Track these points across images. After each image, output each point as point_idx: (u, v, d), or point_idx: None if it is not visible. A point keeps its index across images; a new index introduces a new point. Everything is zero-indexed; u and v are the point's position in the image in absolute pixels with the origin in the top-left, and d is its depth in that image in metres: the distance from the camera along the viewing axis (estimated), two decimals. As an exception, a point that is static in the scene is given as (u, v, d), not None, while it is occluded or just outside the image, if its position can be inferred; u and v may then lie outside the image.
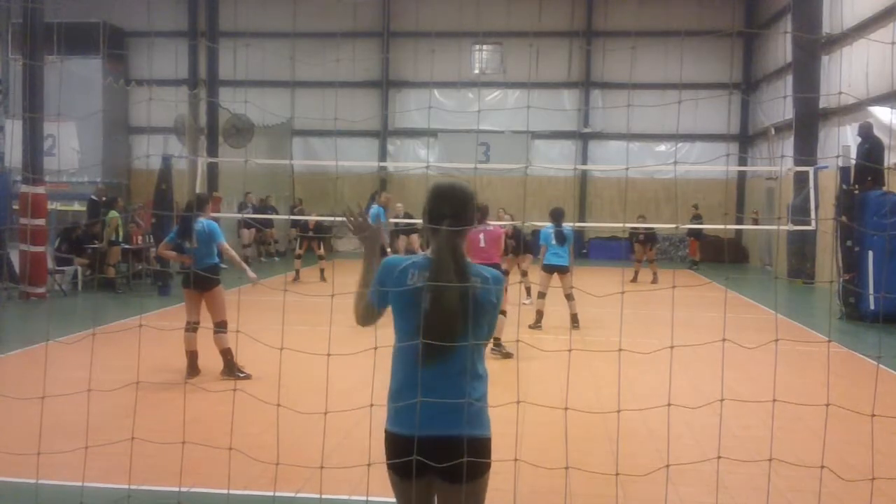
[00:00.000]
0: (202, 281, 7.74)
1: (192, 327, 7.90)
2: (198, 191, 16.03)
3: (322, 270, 16.93)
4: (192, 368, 7.98)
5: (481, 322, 2.79)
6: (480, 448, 2.83)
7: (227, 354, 7.88)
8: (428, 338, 2.67)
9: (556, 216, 11.09)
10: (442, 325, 2.68)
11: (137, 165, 25.84)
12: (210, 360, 8.67)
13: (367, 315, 2.93)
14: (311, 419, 5.02)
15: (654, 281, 17.48)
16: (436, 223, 2.77)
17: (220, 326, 7.85)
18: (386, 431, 2.89)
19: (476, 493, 2.90)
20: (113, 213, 15.13)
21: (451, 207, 2.79)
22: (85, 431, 4.83)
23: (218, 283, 7.97)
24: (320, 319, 11.10)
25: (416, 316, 2.70)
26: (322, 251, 17.79)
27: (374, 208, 14.24)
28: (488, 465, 2.91)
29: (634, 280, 17.96)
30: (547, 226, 11.25)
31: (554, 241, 10.99)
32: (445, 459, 2.71)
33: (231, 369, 7.85)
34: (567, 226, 11.29)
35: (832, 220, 13.23)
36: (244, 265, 8.36)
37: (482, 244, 8.85)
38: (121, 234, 15.25)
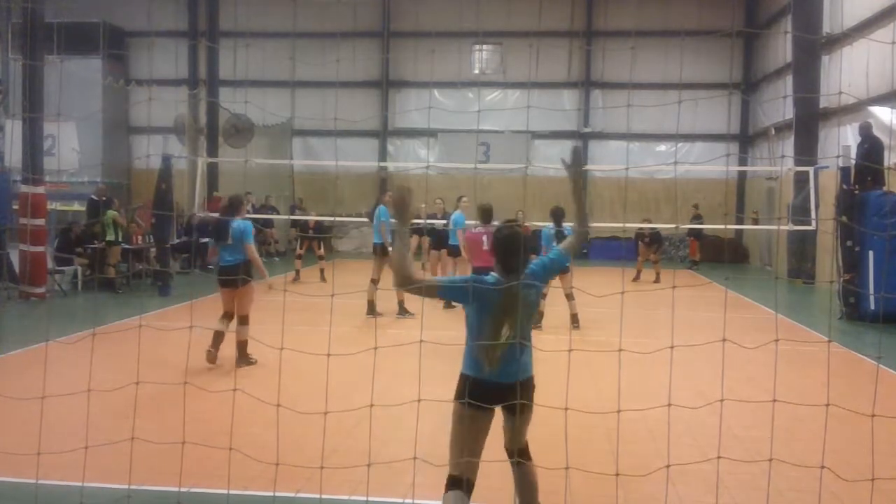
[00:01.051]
0: (233, 278, 8.32)
1: (226, 315, 8.67)
2: (198, 191, 16.05)
3: (322, 271, 16.93)
4: (211, 354, 8.54)
5: (531, 315, 4.05)
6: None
7: (243, 345, 8.57)
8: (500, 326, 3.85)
9: (557, 216, 11.12)
10: (507, 320, 3.84)
11: (137, 165, 25.85)
12: (215, 359, 8.67)
13: (426, 291, 3.91)
14: (311, 419, 5.02)
15: (657, 280, 17.55)
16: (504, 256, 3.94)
17: (243, 321, 8.53)
18: (466, 375, 4.08)
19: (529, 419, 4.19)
20: (111, 213, 15.09)
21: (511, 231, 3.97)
22: (85, 431, 4.83)
23: (249, 280, 8.56)
24: (320, 319, 11.10)
25: (491, 312, 3.84)
26: (322, 251, 17.80)
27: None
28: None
29: (637, 279, 17.98)
30: (547, 226, 11.25)
31: (555, 242, 10.96)
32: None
33: (244, 358, 8.55)
34: (567, 225, 11.23)
35: (832, 220, 13.23)
36: (263, 269, 8.70)
37: (485, 246, 8.72)
38: (120, 233, 15.23)
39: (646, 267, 18.37)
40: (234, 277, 8.22)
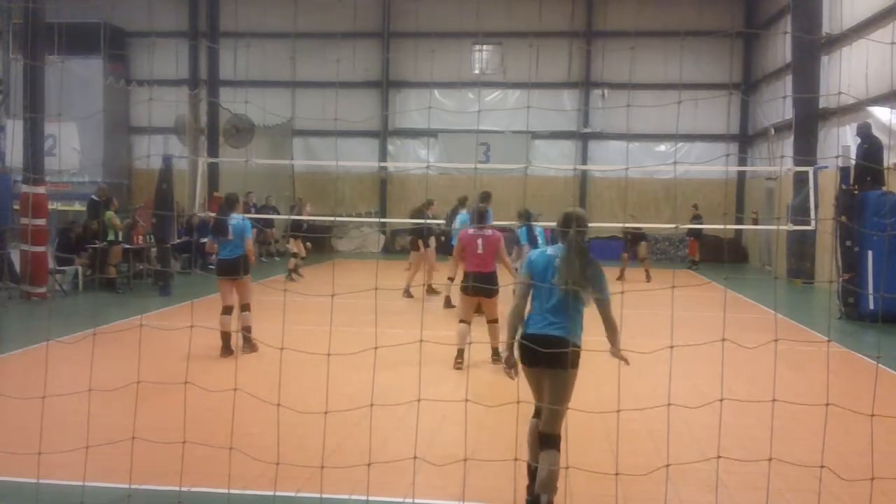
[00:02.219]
0: (235, 269, 8.94)
1: (226, 311, 9.05)
2: (198, 190, 16.05)
3: (291, 271, 16.62)
4: (226, 348, 8.97)
5: (591, 282, 4.55)
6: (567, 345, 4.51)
7: (248, 331, 9.10)
8: (556, 290, 4.53)
9: (526, 217, 11.85)
10: (566, 281, 4.47)
11: (138, 165, 25.86)
12: (215, 358, 8.68)
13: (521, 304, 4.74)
14: (311, 419, 5.03)
15: (648, 279, 17.48)
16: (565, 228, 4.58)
17: (246, 308, 9.13)
18: (520, 336, 4.65)
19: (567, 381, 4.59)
20: (108, 214, 15.04)
21: (577, 221, 4.61)
22: (85, 431, 4.83)
23: (248, 271, 9.24)
24: (321, 319, 11.11)
25: (550, 277, 4.56)
26: (299, 249, 17.49)
27: (462, 215, 13.77)
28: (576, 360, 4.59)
29: (621, 278, 17.91)
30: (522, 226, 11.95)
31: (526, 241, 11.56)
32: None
33: (249, 343, 9.04)
34: (537, 225, 12.02)
35: (832, 220, 13.23)
36: (253, 263, 9.59)
37: (479, 250, 8.48)
38: (119, 234, 15.20)
39: (631, 266, 18.33)
40: (236, 269, 8.89)
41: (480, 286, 8.24)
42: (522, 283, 4.73)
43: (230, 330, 8.90)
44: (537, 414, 4.72)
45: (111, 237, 14.93)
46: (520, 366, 4.71)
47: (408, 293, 14.10)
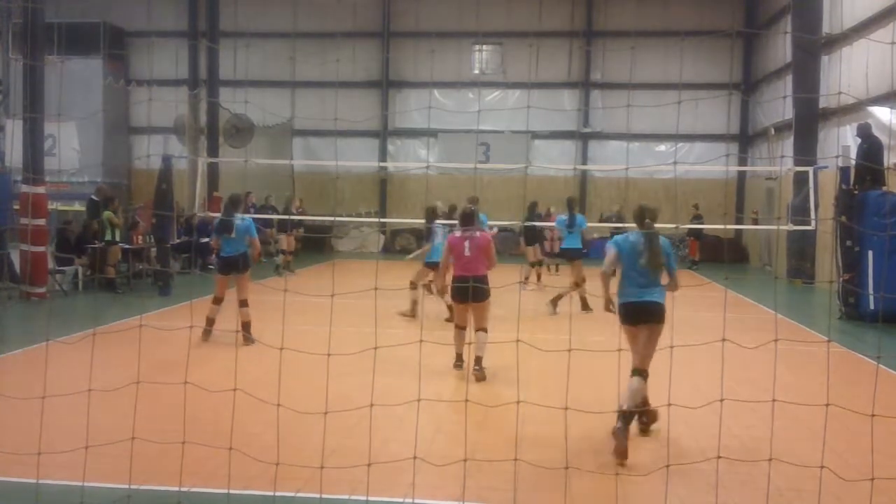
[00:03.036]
0: (235, 266, 9.67)
1: (217, 301, 9.75)
2: (198, 190, 16.05)
3: (281, 267, 16.80)
4: (206, 333, 9.59)
5: (667, 260, 6.12)
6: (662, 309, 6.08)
7: (247, 326, 9.53)
8: (644, 269, 6.05)
9: (570, 205, 12.89)
10: (651, 262, 6.01)
11: (138, 165, 25.85)
12: (215, 358, 8.68)
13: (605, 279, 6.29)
14: (311, 419, 5.02)
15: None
16: (640, 221, 6.20)
17: (244, 304, 9.57)
18: (621, 303, 6.14)
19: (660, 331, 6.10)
20: (106, 214, 14.98)
21: (650, 214, 6.20)
22: (85, 431, 4.83)
23: (248, 268, 9.82)
24: (320, 320, 11.10)
25: (637, 259, 6.05)
26: (289, 244, 17.55)
27: (560, 218, 13.48)
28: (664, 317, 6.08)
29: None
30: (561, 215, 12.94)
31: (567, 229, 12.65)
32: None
33: (248, 337, 9.42)
34: (578, 215, 12.92)
35: (832, 219, 13.23)
36: (256, 260, 10.19)
37: (466, 252, 7.91)
38: (118, 233, 15.09)
39: None
40: (237, 265, 9.67)
41: (467, 291, 7.80)
42: (610, 256, 6.19)
43: (214, 317, 9.69)
44: (636, 374, 6.10)
45: (109, 237, 14.84)
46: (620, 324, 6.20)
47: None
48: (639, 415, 6.07)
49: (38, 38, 13.43)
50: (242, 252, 9.69)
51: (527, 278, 15.44)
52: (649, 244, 6.03)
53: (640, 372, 6.09)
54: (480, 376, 7.98)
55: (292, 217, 18.40)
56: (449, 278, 8.44)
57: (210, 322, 9.64)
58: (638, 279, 6.06)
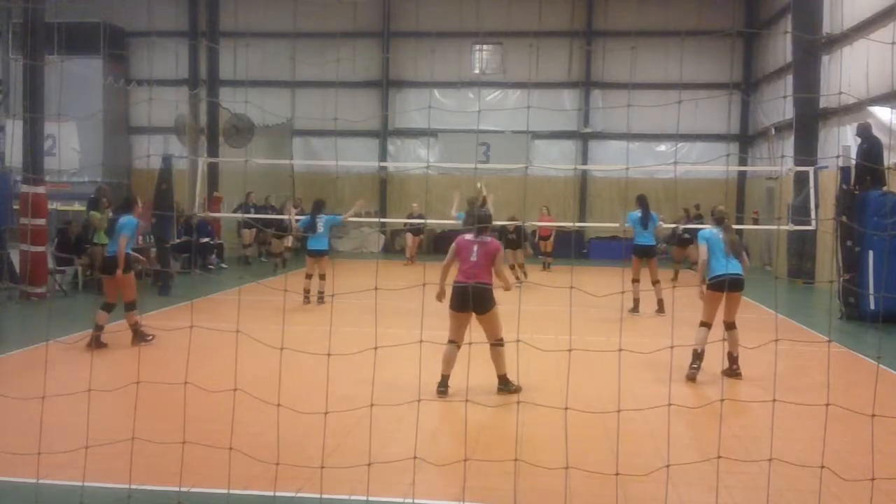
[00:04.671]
0: (322, 254, 13.20)
1: (308, 276, 13.28)
2: (198, 190, 16.02)
3: (277, 264, 16.86)
4: (306, 300, 13.02)
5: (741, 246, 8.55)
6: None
7: (322, 295, 13.08)
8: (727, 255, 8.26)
9: (643, 203, 13.23)
10: (732, 250, 8.29)
11: (138, 165, 25.83)
12: (215, 358, 8.68)
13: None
14: (311, 419, 5.02)
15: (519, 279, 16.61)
16: (719, 222, 8.55)
17: (322, 277, 13.15)
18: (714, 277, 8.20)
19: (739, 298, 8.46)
20: (93, 214, 14.84)
21: (722, 213, 8.59)
22: (85, 431, 4.83)
23: (325, 254, 13.39)
24: (320, 319, 11.10)
25: (721, 247, 8.31)
26: (274, 245, 17.57)
27: (633, 215, 13.53)
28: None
29: (675, 279, 17.54)
30: (634, 212, 13.10)
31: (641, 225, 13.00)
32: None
33: (322, 300, 12.38)
34: (654, 213, 13.25)
35: (832, 219, 13.22)
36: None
37: (473, 257, 7.35)
38: (104, 235, 14.72)
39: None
40: (323, 254, 13.14)
41: (467, 298, 7.18)
42: (703, 248, 8.36)
43: (310, 288, 13.06)
44: (706, 325, 8.21)
45: (98, 238, 14.60)
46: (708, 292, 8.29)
47: None
48: (730, 361, 8.18)
49: (38, 38, 13.43)
50: (326, 247, 13.33)
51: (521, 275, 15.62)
52: (728, 235, 8.42)
53: (732, 325, 8.36)
54: (505, 391, 7.42)
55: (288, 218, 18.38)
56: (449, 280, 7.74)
57: (307, 292, 13.07)
58: (724, 259, 8.24)
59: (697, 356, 8.07)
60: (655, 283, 12.61)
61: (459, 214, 14.06)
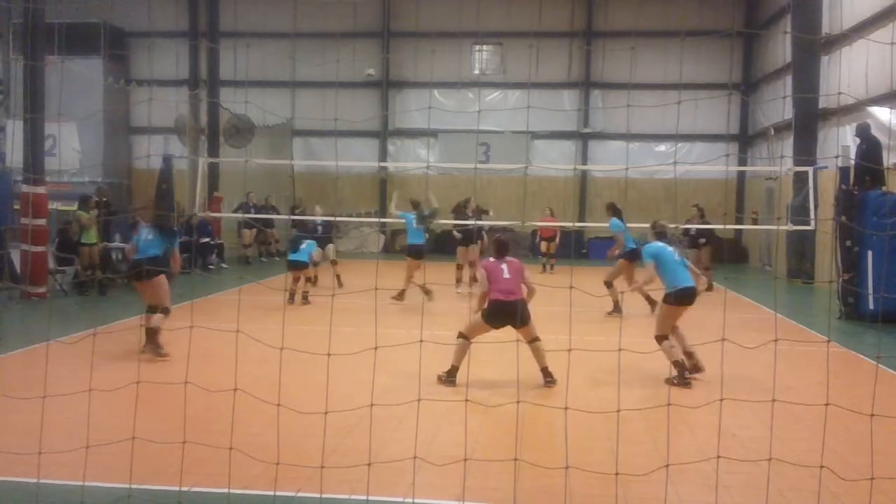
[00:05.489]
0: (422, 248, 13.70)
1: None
2: (198, 190, 16.02)
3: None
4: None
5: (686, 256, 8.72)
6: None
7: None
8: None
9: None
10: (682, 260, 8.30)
11: (138, 165, 25.83)
12: (215, 358, 8.68)
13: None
14: (311, 419, 5.03)
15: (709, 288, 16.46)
16: (662, 236, 8.45)
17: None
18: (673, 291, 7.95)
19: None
20: (79, 214, 14.75)
21: (663, 227, 8.80)
22: (85, 431, 4.84)
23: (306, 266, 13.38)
24: (320, 320, 11.11)
25: (675, 258, 8.17)
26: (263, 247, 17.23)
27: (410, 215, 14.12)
28: None
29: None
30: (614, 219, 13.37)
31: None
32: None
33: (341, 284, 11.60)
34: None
35: (832, 220, 13.22)
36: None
37: (506, 275, 7.81)
38: (90, 234, 14.51)
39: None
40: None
41: (506, 316, 7.60)
42: (650, 266, 8.12)
43: (296, 290, 13.33)
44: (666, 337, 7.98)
45: (85, 239, 14.48)
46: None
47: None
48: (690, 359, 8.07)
49: (38, 38, 13.43)
50: (307, 261, 13.36)
51: (458, 280, 15.33)
52: (675, 246, 8.56)
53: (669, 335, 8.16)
54: (553, 384, 7.71)
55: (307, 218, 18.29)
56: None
57: (293, 293, 13.36)
58: (681, 270, 8.14)
59: (682, 365, 7.87)
60: (611, 284, 12.52)
61: (404, 214, 14.20)
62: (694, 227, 16.31)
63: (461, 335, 7.87)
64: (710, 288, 15.87)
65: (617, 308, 12.40)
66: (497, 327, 7.78)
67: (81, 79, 21.79)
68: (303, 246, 13.65)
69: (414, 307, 12.32)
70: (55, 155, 19.50)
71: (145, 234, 9.19)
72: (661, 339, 7.92)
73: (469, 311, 7.94)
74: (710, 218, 18.00)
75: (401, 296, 13.30)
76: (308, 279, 13.83)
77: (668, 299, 7.98)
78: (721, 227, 21.41)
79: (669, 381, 7.75)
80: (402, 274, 13.86)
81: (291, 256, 13.51)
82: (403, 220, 14.30)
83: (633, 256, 12.34)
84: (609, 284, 12.48)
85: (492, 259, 8.02)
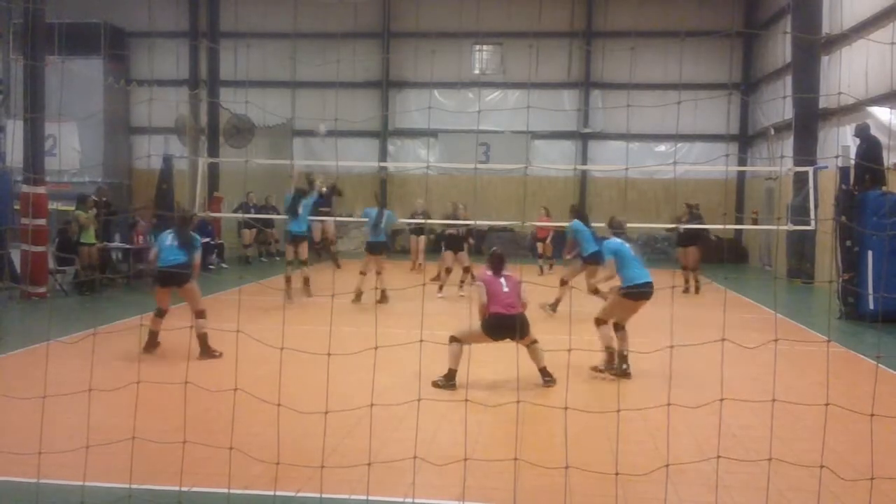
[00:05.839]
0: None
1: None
2: (198, 190, 16.01)
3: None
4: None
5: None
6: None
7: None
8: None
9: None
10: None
11: (138, 165, 25.85)
12: (213, 358, 8.68)
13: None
14: (311, 419, 5.03)
15: (695, 290, 15.96)
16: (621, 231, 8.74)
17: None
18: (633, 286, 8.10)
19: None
20: (77, 213, 14.75)
21: (621, 222, 8.97)
22: (85, 431, 4.84)
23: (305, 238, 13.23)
24: (321, 319, 11.10)
25: (632, 254, 8.36)
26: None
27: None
28: None
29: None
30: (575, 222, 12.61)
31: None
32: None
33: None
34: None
35: (832, 219, 13.22)
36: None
37: (505, 289, 7.82)
38: (88, 233, 14.53)
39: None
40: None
41: (505, 329, 7.53)
42: (611, 262, 8.34)
43: (291, 276, 13.21)
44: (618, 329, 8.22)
45: (84, 238, 14.51)
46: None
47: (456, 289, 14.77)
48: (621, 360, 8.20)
49: (38, 38, 13.43)
50: (306, 230, 13.57)
51: (441, 287, 14.63)
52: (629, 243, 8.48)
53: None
54: (552, 384, 7.74)
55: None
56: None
57: (289, 281, 13.21)
58: (639, 267, 8.27)
59: (613, 353, 8.10)
60: (566, 283, 12.23)
61: (368, 212, 14.03)
62: (681, 226, 16.02)
63: (454, 339, 7.78)
64: (696, 290, 15.81)
65: (554, 307, 12.08)
66: (497, 340, 7.77)
67: (81, 79, 21.79)
68: (301, 211, 13.20)
69: (414, 307, 12.32)
70: (55, 155, 19.50)
71: (169, 239, 9.07)
72: (600, 322, 8.18)
73: (469, 315, 7.88)
74: (709, 218, 18.02)
75: (359, 297, 13.14)
76: (305, 278, 13.36)
77: (625, 294, 8.14)
78: (714, 227, 21.41)
79: (596, 369, 8.13)
80: (403, 275, 13.87)
81: (291, 226, 13.22)
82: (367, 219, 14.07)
83: (595, 259, 11.95)
84: (564, 282, 12.25)
85: (489, 273, 7.99)
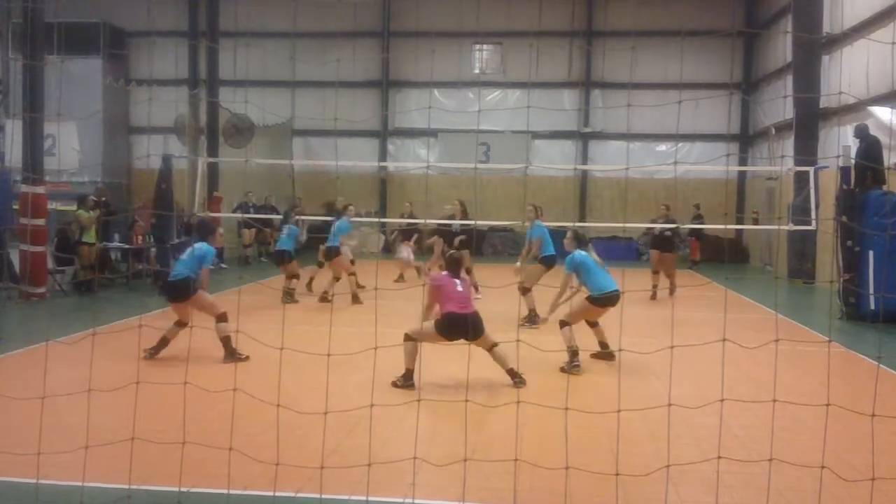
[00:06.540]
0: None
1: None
2: (198, 190, 15.99)
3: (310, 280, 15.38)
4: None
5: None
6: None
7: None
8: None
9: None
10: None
11: (138, 165, 25.85)
12: (214, 358, 8.68)
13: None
14: (311, 419, 5.02)
15: (670, 292, 15.06)
16: (584, 242, 9.20)
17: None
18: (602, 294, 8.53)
19: None
20: (78, 213, 14.75)
21: (583, 234, 9.49)
22: (85, 431, 4.83)
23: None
24: (320, 320, 11.10)
25: (596, 264, 8.81)
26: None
27: (342, 222, 14.18)
28: None
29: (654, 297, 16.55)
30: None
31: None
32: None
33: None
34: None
35: (832, 219, 13.21)
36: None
37: (459, 288, 7.82)
38: (89, 233, 14.51)
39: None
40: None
41: (461, 328, 7.45)
42: (570, 276, 8.80)
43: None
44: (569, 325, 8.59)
45: (85, 238, 14.48)
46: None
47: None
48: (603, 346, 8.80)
49: (38, 38, 13.42)
50: (291, 249, 13.65)
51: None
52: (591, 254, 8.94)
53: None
54: (522, 384, 7.66)
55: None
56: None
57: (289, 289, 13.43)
58: (603, 275, 8.72)
59: (575, 352, 8.38)
60: (528, 291, 11.30)
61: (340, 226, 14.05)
62: (660, 226, 15.29)
63: (408, 337, 7.66)
64: (671, 292, 14.91)
65: (531, 317, 11.09)
66: (450, 339, 7.57)
67: (81, 78, 21.79)
68: (284, 233, 13.73)
69: (414, 308, 12.31)
70: (55, 155, 19.49)
71: (187, 253, 8.94)
72: (564, 324, 8.51)
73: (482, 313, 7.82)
74: (710, 218, 18.04)
75: (290, 296, 13.51)
76: (290, 276, 13.66)
77: (593, 301, 8.56)
78: (714, 227, 21.42)
79: (563, 369, 8.28)
80: (394, 274, 13.84)
81: (278, 245, 13.73)
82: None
83: (551, 262, 11.60)
84: (526, 290, 11.18)
85: (445, 274, 8.02)
